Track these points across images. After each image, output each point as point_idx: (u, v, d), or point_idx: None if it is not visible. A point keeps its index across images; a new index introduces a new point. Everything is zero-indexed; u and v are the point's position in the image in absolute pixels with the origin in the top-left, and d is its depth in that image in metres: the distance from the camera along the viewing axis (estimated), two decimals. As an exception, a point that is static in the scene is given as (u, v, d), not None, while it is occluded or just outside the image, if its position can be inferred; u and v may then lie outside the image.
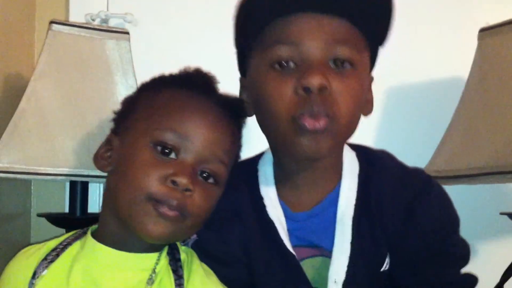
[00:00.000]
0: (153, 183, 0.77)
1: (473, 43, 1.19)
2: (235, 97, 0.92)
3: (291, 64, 0.82)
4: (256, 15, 0.85)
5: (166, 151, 0.79)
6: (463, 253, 0.91)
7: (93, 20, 1.37)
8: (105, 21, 1.39)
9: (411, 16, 1.42)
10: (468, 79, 1.20)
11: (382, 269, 0.89)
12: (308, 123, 0.80)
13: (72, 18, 1.42)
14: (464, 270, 0.92)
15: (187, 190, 0.78)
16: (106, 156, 0.86)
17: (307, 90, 0.79)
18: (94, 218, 1.11)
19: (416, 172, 0.95)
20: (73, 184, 1.14)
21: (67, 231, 1.07)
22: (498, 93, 1.12)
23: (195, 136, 0.81)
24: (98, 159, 0.86)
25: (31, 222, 1.48)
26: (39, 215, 1.18)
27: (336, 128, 0.82)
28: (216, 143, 0.83)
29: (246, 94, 0.93)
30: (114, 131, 0.88)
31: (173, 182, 0.77)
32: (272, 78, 0.83)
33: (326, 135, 0.82)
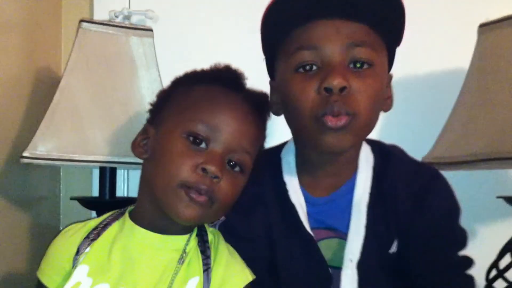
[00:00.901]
0: (186, 171, 0.81)
1: (473, 37, 1.21)
2: (261, 93, 0.94)
3: (314, 67, 0.86)
4: (280, 25, 0.90)
5: (198, 141, 0.82)
6: (462, 238, 0.96)
7: (116, 16, 1.42)
8: (127, 17, 1.44)
9: (416, 13, 1.39)
10: (468, 72, 1.22)
11: (390, 251, 0.94)
12: (331, 121, 0.84)
13: (96, 15, 1.46)
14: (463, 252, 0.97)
15: (215, 177, 0.81)
16: (143, 144, 0.89)
17: (328, 90, 0.83)
18: (122, 201, 1.19)
19: (425, 166, 1.00)
20: (102, 170, 1.19)
21: (97, 213, 1.15)
22: (496, 85, 1.14)
23: (224, 128, 0.84)
24: (136, 147, 0.90)
25: (60, 205, 1.53)
26: (72, 198, 1.24)
27: (357, 125, 0.86)
28: (243, 135, 0.86)
29: (275, 96, 0.97)
30: (150, 121, 0.92)
31: (203, 170, 0.80)
32: (297, 80, 0.87)
33: (347, 132, 0.86)
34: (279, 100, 0.95)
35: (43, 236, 1.41)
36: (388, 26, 0.89)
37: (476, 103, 1.17)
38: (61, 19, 1.53)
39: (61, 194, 1.54)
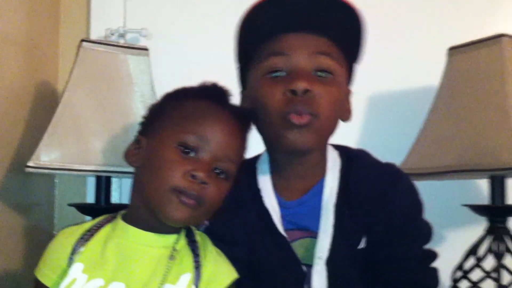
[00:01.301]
0: (177, 177, 0.87)
1: (443, 58, 1.31)
2: (246, 108, 1.03)
3: (282, 73, 0.95)
4: (254, 36, 0.99)
5: (188, 150, 0.89)
6: (426, 232, 1.02)
7: (112, 34, 1.50)
8: (122, 35, 1.52)
9: (393, 35, 1.56)
10: (438, 90, 1.31)
11: (359, 247, 0.99)
12: (295, 119, 0.92)
13: (93, 33, 1.54)
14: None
15: (203, 183, 0.87)
16: (135, 153, 0.95)
17: (293, 92, 0.92)
18: (116, 207, 1.24)
19: (388, 166, 1.06)
20: (98, 178, 1.26)
21: (93, 219, 1.18)
22: (463, 103, 1.24)
23: (212, 139, 0.90)
24: (129, 156, 0.96)
25: (55, 210, 1.59)
26: (70, 204, 1.31)
27: (318, 125, 0.94)
28: (229, 146, 0.93)
29: (246, 104, 1.04)
30: (142, 132, 0.98)
31: (193, 176, 0.86)
32: (266, 83, 0.96)
33: (309, 129, 0.94)
34: (250, 100, 1.03)
35: (38, 239, 1.46)
36: (349, 42, 0.99)
37: (445, 119, 1.27)
38: (59, 36, 1.60)
39: (55, 200, 1.60)
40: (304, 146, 0.96)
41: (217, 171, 0.92)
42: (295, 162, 1.02)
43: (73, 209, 1.37)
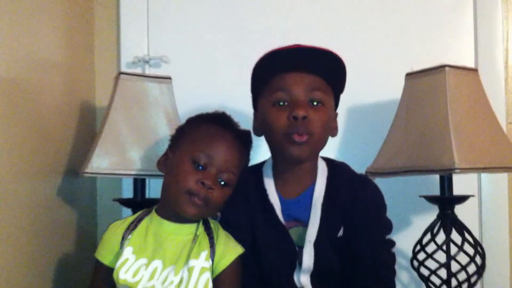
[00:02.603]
0: (191, 183, 1.06)
1: (402, 82, 1.50)
2: (246, 131, 1.19)
3: (285, 103, 1.15)
4: (264, 76, 1.19)
5: (199, 164, 1.09)
6: (388, 225, 1.22)
7: (139, 61, 1.74)
8: (147, 61, 1.75)
9: (364, 62, 1.76)
10: (398, 106, 1.50)
11: (338, 235, 1.19)
12: (296, 138, 1.12)
13: (123, 59, 1.77)
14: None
15: (210, 188, 1.06)
16: (164, 163, 1.16)
17: (295, 118, 1.11)
18: (150, 201, 1.48)
19: (362, 176, 1.28)
20: (135, 180, 1.49)
21: (132, 211, 1.44)
22: (416, 118, 1.42)
23: (217, 157, 1.09)
24: (159, 164, 1.17)
25: (97, 205, 1.80)
26: (114, 200, 1.53)
27: (313, 141, 1.14)
28: (230, 161, 1.11)
29: (257, 122, 1.24)
30: (170, 147, 1.17)
31: (202, 183, 1.06)
32: (273, 111, 1.16)
33: (306, 145, 1.13)
34: (260, 125, 1.23)
35: (84, 227, 1.68)
36: (335, 80, 1.20)
37: (403, 130, 1.46)
38: (94, 60, 1.80)
39: (97, 197, 1.81)
40: (302, 156, 1.16)
41: (221, 179, 1.11)
42: (293, 169, 1.20)
43: (110, 202, 1.59)
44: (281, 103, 1.16)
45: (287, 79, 1.16)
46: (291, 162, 1.19)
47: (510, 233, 1.77)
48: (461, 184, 1.59)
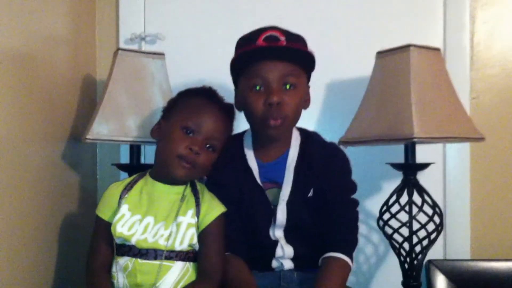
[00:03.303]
0: (180, 148, 1.16)
1: (373, 59, 1.58)
2: (229, 104, 1.29)
3: (261, 88, 1.23)
4: (242, 64, 1.26)
5: (188, 132, 1.17)
6: (353, 187, 1.33)
7: (136, 37, 1.84)
8: (143, 38, 1.85)
9: (340, 40, 1.84)
10: (369, 82, 1.59)
11: (309, 196, 1.29)
12: (272, 122, 1.21)
13: (121, 35, 1.86)
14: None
15: (197, 153, 1.16)
16: (157, 131, 1.25)
17: (270, 104, 1.20)
18: (144, 166, 1.60)
19: (331, 143, 1.38)
20: (132, 146, 1.60)
21: (129, 174, 1.54)
22: (385, 92, 1.51)
23: (204, 125, 1.19)
24: (153, 132, 1.26)
25: (97, 169, 1.90)
26: (113, 164, 1.64)
27: (286, 123, 1.24)
28: (216, 130, 1.20)
29: (238, 99, 1.31)
30: (163, 117, 1.26)
31: (191, 149, 1.16)
32: (251, 95, 1.24)
33: (281, 127, 1.23)
34: (239, 103, 1.30)
35: (85, 188, 1.77)
36: (305, 64, 1.28)
37: (373, 104, 1.55)
38: (95, 38, 1.89)
39: (97, 161, 1.91)
40: (277, 136, 1.28)
41: (207, 145, 1.20)
42: (270, 141, 1.31)
43: (109, 166, 1.70)
44: (258, 88, 1.24)
45: (263, 67, 1.24)
46: (268, 140, 1.30)
47: (471, 197, 1.88)
48: (427, 153, 1.73)
